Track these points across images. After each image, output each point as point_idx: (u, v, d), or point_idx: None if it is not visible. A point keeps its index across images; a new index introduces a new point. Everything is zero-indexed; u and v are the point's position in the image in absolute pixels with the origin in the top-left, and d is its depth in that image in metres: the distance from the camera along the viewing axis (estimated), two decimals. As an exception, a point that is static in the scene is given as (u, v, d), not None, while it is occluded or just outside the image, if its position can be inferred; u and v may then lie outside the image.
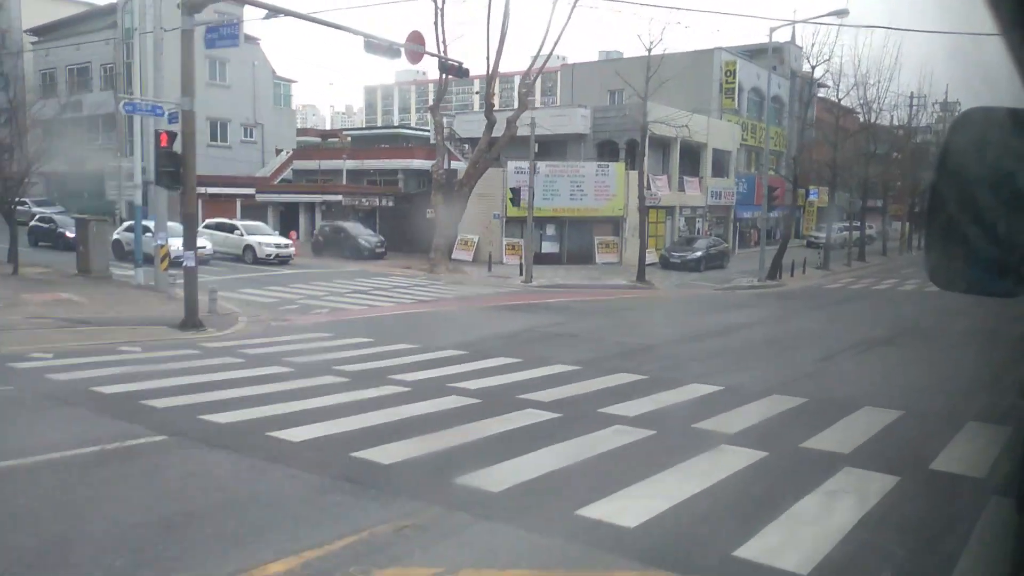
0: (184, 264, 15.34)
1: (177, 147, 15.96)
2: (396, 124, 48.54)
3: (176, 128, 16.76)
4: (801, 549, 4.96)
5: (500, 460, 6.65)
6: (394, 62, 22.32)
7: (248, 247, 29.81)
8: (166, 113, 18.81)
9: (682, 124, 27.60)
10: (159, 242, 20.27)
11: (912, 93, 48.59)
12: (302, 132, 54.32)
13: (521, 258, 28.30)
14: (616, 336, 15.60)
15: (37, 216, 32.96)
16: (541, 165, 32.49)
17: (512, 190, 27.33)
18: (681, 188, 37.19)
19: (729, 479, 6.32)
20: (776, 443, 7.58)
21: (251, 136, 50.12)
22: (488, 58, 27.10)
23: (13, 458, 6.51)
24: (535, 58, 27.84)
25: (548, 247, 33.58)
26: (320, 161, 44.74)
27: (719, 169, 41.04)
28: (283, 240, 30.71)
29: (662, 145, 36.22)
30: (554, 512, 5.55)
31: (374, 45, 18.43)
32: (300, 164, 46.16)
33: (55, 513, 5.44)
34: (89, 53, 47.79)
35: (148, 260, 21.42)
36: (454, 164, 35.44)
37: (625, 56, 45.31)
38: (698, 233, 38.39)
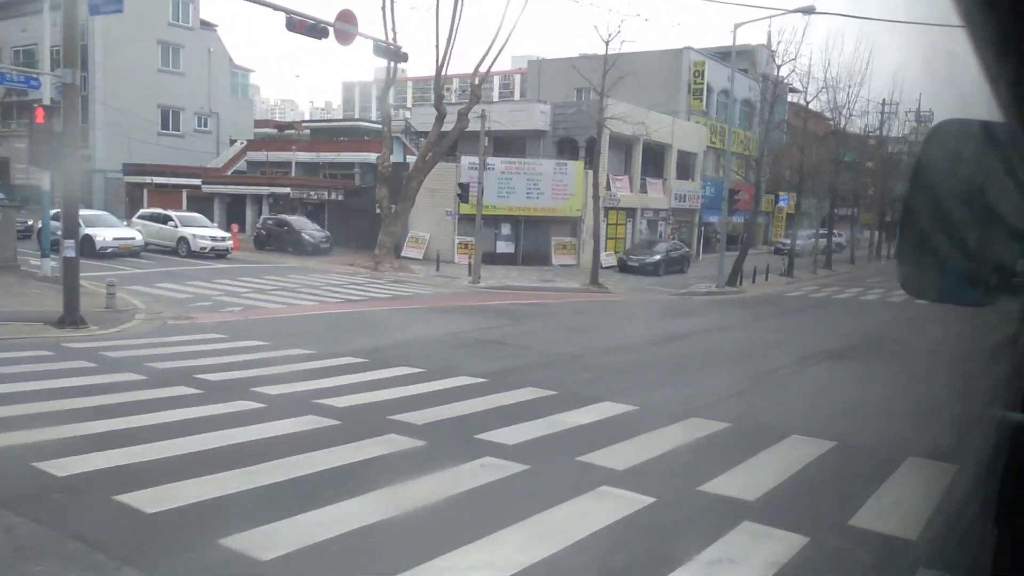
0: (64, 255, 13.74)
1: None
2: (356, 117, 46.91)
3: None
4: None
5: (304, 509, 5.24)
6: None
7: (182, 239, 28.14)
8: (49, 86, 17.06)
9: (639, 121, 26.32)
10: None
11: (884, 100, 47.94)
12: (261, 123, 52.47)
13: (471, 257, 26.89)
14: (546, 343, 14.24)
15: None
16: (496, 161, 31.13)
17: (460, 185, 25.92)
18: (643, 190, 35.97)
19: (588, 540, 4.95)
20: (670, 485, 6.25)
21: (205, 126, 48.28)
22: (438, 47, 25.71)
23: None
24: (489, 48, 26.49)
25: (503, 247, 32.21)
26: (275, 153, 43.01)
27: (684, 171, 39.91)
28: (220, 233, 29.05)
29: (625, 145, 35.00)
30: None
31: (297, 23, 16.95)
32: (256, 156, 44.40)
33: None
34: (37, 35, 45.74)
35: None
36: (409, 158, 34.00)
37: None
38: (660, 237, 37.21)
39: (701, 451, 7.47)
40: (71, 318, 13.49)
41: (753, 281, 30.15)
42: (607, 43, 25.46)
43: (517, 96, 57.48)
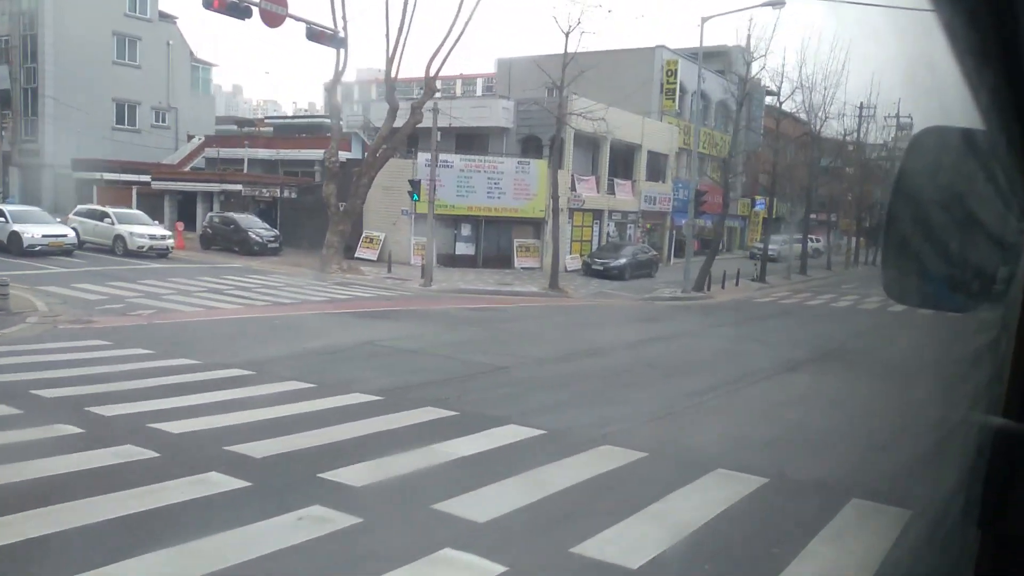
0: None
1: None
2: (321, 114, 45.35)
3: None
4: None
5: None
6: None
7: (118, 237, 26.51)
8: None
9: (599, 117, 25.03)
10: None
11: (861, 104, 47.08)
12: (224, 120, 50.76)
13: (423, 258, 25.48)
14: (475, 353, 12.87)
15: None
16: (455, 158, 29.80)
17: (411, 182, 24.50)
18: (611, 191, 34.70)
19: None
20: (536, 545, 4.90)
21: (164, 121, 46.56)
22: (388, 35, 24.32)
23: None
24: (445, 38, 25.10)
25: (462, 248, 30.83)
26: (233, 150, 41.38)
27: (655, 173, 38.69)
28: (160, 231, 27.45)
29: (592, 145, 33.76)
30: None
31: (214, 1, 15.52)
32: (215, 152, 42.73)
33: None
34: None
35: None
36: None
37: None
38: (630, 240, 35.98)
39: (597, 492, 6.13)
40: (-60, 321, 12.01)
41: (723, 286, 28.97)
42: (567, 35, 24.22)
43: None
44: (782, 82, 35.30)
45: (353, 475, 5.97)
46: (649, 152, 37.44)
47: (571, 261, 32.07)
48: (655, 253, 33.38)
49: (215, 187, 34.10)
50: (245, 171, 36.31)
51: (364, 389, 9.33)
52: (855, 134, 45.34)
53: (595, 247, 33.34)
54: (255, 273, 24.24)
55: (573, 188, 31.69)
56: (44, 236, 24.73)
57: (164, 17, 46.21)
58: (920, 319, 24.14)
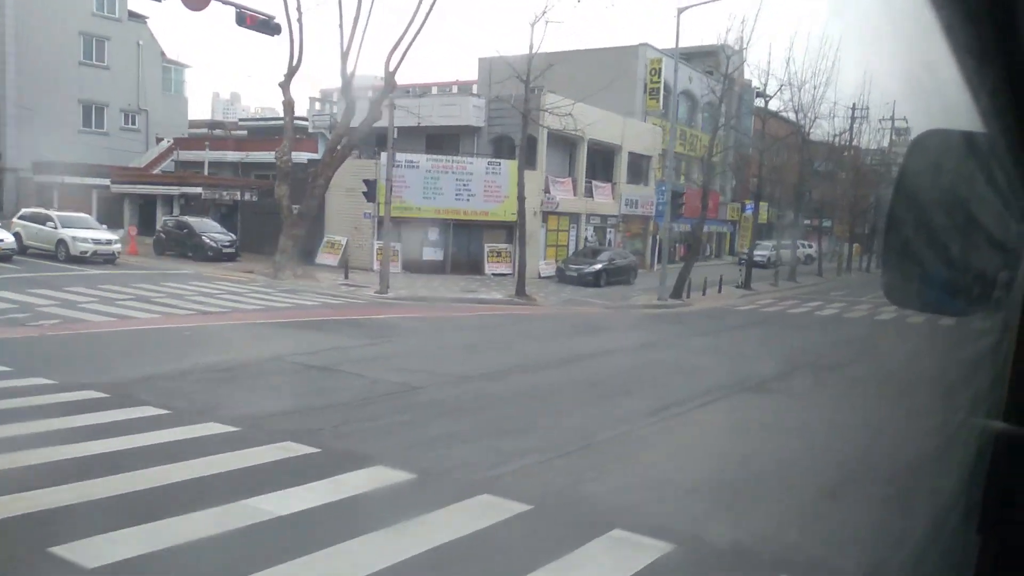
0: None
1: None
2: (299, 115, 43.75)
3: None
4: None
5: None
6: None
7: (61, 242, 25.03)
8: None
9: (565, 113, 23.53)
10: None
11: (853, 105, 45.68)
12: (198, 124, 49.24)
13: (380, 264, 23.94)
14: (392, 370, 11.32)
15: None
16: (421, 159, 28.34)
17: (366, 182, 23.01)
18: (589, 194, 33.20)
19: None
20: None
21: (134, 123, 45.05)
22: (341, 27, 22.88)
23: None
24: (406, 29, 23.64)
25: (430, 254, 29.31)
26: (203, 152, 39.90)
27: (637, 175, 37.20)
28: (105, 235, 25.92)
29: (568, 145, 32.30)
30: None
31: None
32: (188, 155, 41.24)
33: None
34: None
35: None
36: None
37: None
38: (610, 245, 34.48)
39: (438, 570, 4.60)
40: None
41: (704, 293, 27.47)
42: (532, 26, 22.80)
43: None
44: (767, 79, 33.92)
45: (98, 549, 4.45)
46: (630, 154, 35.97)
47: (545, 267, 30.58)
48: (634, 258, 31.84)
49: (174, 190, 32.60)
50: (206, 174, 34.82)
51: (224, 417, 7.81)
52: (847, 135, 43.85)
53: (572, 252, 31.82)
54: (201, 280, 22.71)
55: (547, 190, 30.21)
56: (-24, 242, 23.31)
57: (134, 17, 44.75)
58: (906, 328, 22.65)
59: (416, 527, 5.26)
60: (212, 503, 5.32)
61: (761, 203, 51.00)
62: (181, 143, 41.42)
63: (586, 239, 33.39)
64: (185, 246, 27.75)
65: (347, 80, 23.58)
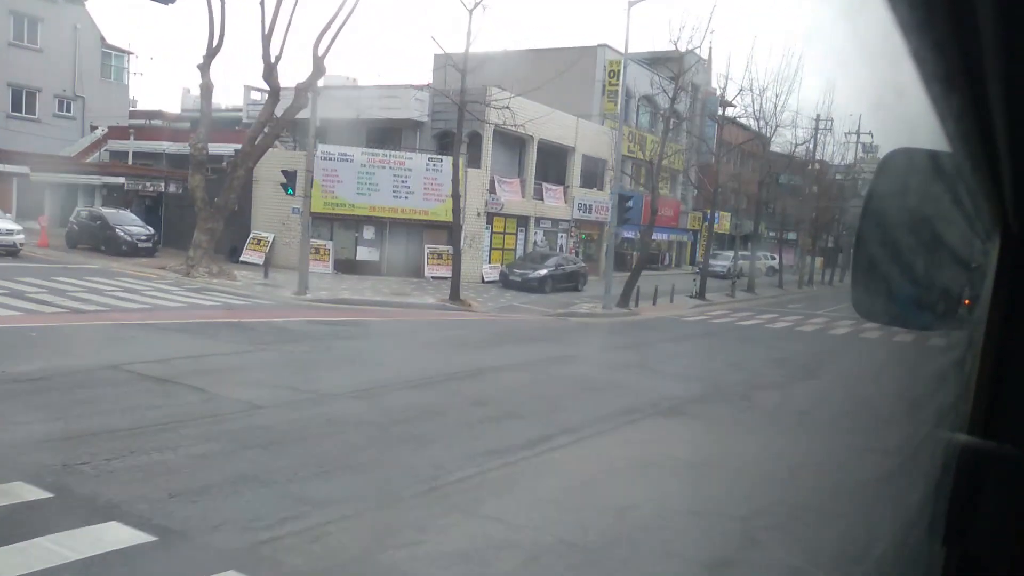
0: None
1: None
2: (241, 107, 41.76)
3: None
4: None
5: None
6: None
7: (-47, 233, 22.93)
8: None
9: (503, 106, 21.98)
10: None
11: (817, 115, 44.81)
12: (139, 114, 46.83)
13: (300, 262, 22.15)
14: (241, 385, 9.61)
15: None
16: (355, 152, 26.64)
17: (285, 173, 21.19)
18: (539, 196, 31.67)
19: None
20: None
21: (68, 110, 42.66)
22: (263, 5, 21.13)
23: None
24: (336, 13, 21.94)
25: (364, 254, 27.57)
26: (148, 142, 37.62)
27: (591, 179, 35.77)
28: (8, 225, 23.83)
29: (518, 144, 30.76)
30: None
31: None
32: (126, 145, 38.92)
33: None
34: None
35: None
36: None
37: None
38: (561, 250, 32.97)
39: None
40: None
41: (654, 303, 26.02)
42: (471, 12, 21.24)
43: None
44: (726, 83, 32.70)
45: None
46: (584, 156, 34.53)
47: (489, 271, 28.97)
48: (583, 265, 30.35)
49: (96, 180, 30.48)
50: (130, 163, 32.71)
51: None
52: (809, 145, 42.87)
53: (518, 257, 30.24)
54: (103, 276, 20.74)
55: (492, 190, 28.62)
56: None
57: (71, -2, 42.44)
58: (859, 344, 21.42)
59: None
60: None
61: (723, 213, 50.09)
62: (116, 132, 39.15)
63: (535, 243, 31.85)
64: (97, 239, 25.71)
65: (269, 64, 21.79)
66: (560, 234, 33.81)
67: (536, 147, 30.91)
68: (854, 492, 6.81)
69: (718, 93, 42.11)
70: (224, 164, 26.82)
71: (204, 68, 22.37)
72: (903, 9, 0.71)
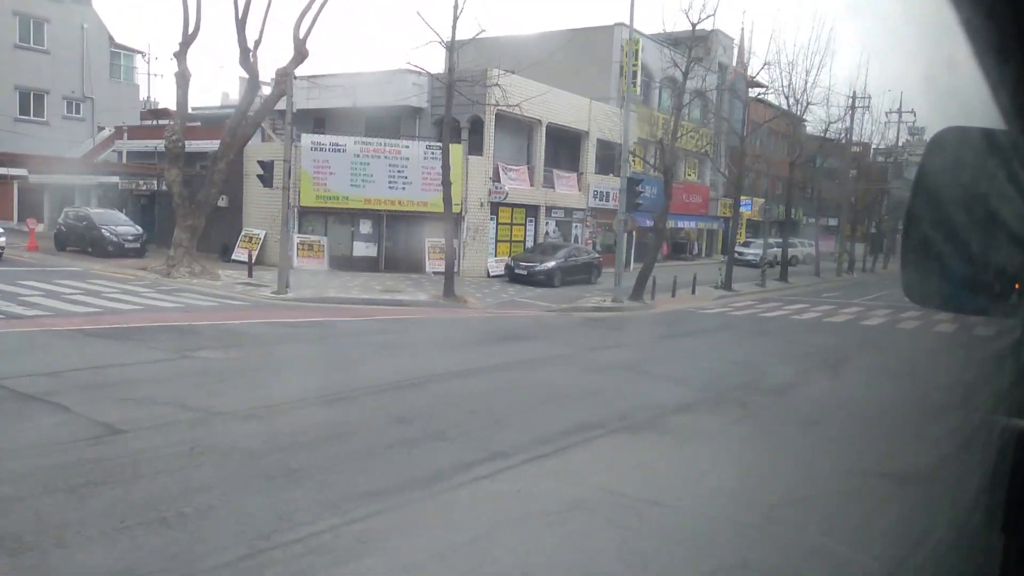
0: None
1: None
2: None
3: None
4: None
5: None
6: None
7: (-66, 236, 22.08)
8: None
9: (493, 83, 20.26)
10: None
11: (854, 93, 42.11)
12: (150, 114, 46.16)
13: (280, 259, 20.73)
14: (134, 403, 8.12)
15: None
16: (348, 141, 25.18)
17: (261, 163, 19.76)
18: (549, 184, 29.85)
19: None
20: None
21: (77, 112, 42.11)
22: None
23: None
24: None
25: (361, 249, 26.12)
26: (154, 142, 36.76)
27: (608, 166, 33.81)
28: (-13, 228, 22.94)
29: (525, 129, 29.00)
30: None
31: None
32: (134, 145, 38.16)
33: None
34: None
35: None
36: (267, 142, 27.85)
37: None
38: (576, 240, 31.13)
39: None
40: None
41: (673, 295, 24.11)
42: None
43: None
44: (750, 58, 30.52)
45: None
46: (600, 141, 32.57)
47: (495, 265, 27.28)
48: (597, 256, 28.42)
49: (91, 180, 29.58)
50: (124, 162, 31.79)
51: None
52: (842, 123, 40.29)
53: (526, 249, 28.48)
54: (74, 279, 19.58)
55: (496, 178, 26.90)
56: None
57: (78, -2, 41.83)
58: (896, 335, 19.25)
59: None
60: None
61: (757, 199, 47.59)
62: (123, 132, 38.36)
63: (547, 234, 30.05)
64: (84, 240, 24.70)
65: (245, 49, 20.42)
66: (575, 224, 31.95)
67: (545, 132, 29.11)
68: (848, 527, 5.01)
69: (744, 70, 39.86)
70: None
71: (180, 56, 21.08)
72: None
